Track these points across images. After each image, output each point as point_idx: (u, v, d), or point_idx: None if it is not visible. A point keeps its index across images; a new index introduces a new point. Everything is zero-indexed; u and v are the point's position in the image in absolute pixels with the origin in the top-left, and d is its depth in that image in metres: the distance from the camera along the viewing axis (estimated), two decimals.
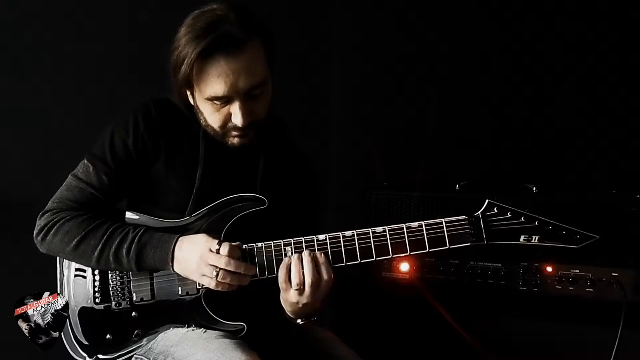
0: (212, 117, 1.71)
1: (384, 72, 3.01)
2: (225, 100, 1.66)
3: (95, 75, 2.61)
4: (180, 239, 1.69)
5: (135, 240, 1.70)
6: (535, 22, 2.82)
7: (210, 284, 1.66)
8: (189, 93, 1.73)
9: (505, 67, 2.86)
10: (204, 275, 1.66)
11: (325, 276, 1.64)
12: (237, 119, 1.67)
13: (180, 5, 1.70)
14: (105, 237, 1.71)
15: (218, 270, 1.64)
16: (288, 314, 1.72)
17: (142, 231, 1.71)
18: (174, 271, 1.70)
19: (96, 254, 1.71)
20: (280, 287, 1.66)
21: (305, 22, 2.97)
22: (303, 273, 1.63)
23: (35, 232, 1.78)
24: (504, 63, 2.86)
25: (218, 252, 1.65)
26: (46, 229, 1.75)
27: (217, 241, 1.66)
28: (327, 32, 3.05)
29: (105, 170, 1.75)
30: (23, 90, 2.53)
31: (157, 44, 1.78)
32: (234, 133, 1.72)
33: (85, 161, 1.78)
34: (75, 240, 1.72)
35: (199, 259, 1.65)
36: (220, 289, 1.67)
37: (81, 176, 1.77)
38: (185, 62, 1.61)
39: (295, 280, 1.63)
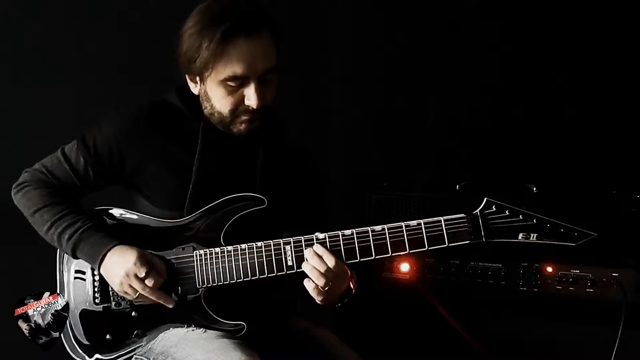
0: (223, 100, 1.71)
1: (384, 71, 3.01)
2: (240, 82, 1.67)
3: (96, 75, 2.61)
4: (114, 248, 1.71)
5: (79, 231, 1.73)
6: (534, 21, 2.82)
7: (130, 297, 1.73)
8: (196, 82, 1.74)
9: (505, 66, 2.86)
10: (126, 292, 1.71)
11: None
12: (252, 101, 1.68)
13: (180, 6, 1.71)
14: (57, 216, 1.75)
15: (138, 294, 1.70)
16: (319, 303, 1.70)
17: (88, 225, 1.74)
18: (99, 272, 1.74)
19: (45, 227, 1.76)
20: (309, 282, 1.65)
21: (306, 21, 2.97)
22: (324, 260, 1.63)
23: (14, 183, 1.84)
24: (504, 63, 2.86)
25: (143, 280, 1.68)
26: (20, 186, 1.82)
27: (145, 269, 1.67)
28: (327, 32, 3.06)
29: (85, 156, 1.77)
30: (23, 90, 2.53)
31: (157, 44, 1.78)
32: (244, 117, 1.72)
33: (76, 140, 1.81)
34: (33, 209, 1.77)
35: (122, 277, 1.68)
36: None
37: (66, 151, 1.81)
38: (203, 46, 1.63)
39: (322, 268, 1.62)
